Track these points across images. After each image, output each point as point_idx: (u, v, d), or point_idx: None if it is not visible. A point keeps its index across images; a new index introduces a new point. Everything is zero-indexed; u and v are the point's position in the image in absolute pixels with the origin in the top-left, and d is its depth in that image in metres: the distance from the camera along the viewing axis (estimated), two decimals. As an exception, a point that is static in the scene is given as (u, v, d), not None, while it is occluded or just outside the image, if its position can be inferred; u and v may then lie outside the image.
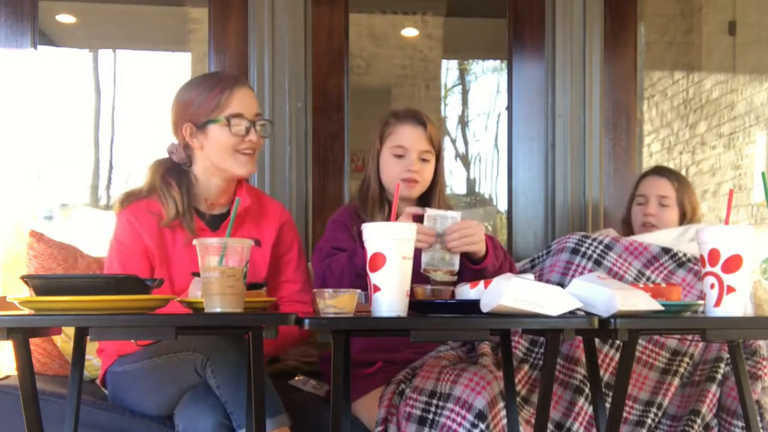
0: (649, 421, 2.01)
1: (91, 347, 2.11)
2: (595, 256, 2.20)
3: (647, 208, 2.66)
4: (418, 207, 1.98)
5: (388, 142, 2.14)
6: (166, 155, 2.06)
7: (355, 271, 1.91)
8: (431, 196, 2.17)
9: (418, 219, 2.04)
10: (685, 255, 2.20)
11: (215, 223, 2.03)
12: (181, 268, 1.96)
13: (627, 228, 2.74)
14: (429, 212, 1.90)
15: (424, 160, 2.12)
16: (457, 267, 1.88)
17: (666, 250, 2.22)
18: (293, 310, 2.09)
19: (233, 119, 1.96)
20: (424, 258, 1.86)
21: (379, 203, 2.15)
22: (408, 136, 2.12)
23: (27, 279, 1.42)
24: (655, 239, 2.30)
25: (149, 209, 1.97)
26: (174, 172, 2.01)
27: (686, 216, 2.65)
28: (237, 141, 1.97)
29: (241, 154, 1.98)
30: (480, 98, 5.53)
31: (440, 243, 1.86)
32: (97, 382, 2.13)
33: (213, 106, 1.96)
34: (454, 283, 1.82)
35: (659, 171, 2.73)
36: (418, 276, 1.76)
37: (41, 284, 1.40)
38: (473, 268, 1.94)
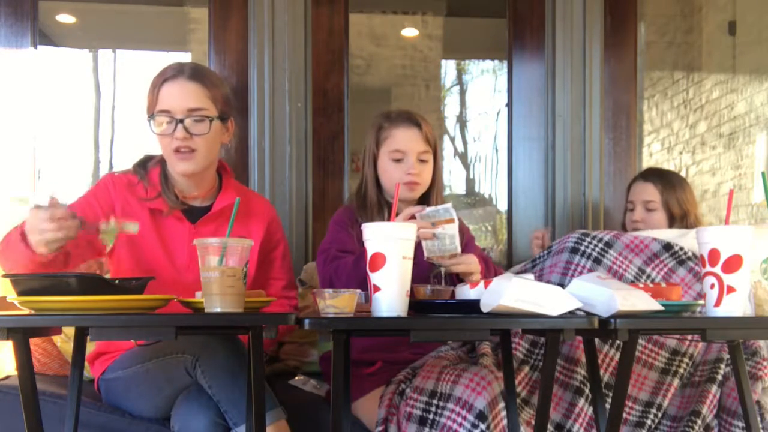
0: (648, 422, 2.00)
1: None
2: (594, 254, 2.19)
3: (634, 214, 2.68)
4: (417, 206, 1.96)
5: (385, 146, 2.12)
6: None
7: (360, 275, 1.90)
8: (430, 194, 2.17)
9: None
10: (685, 253, 2.20)
11: (193, 216, 2.02)
12: (144, 244, 1.97)
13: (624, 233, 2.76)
14: (421, 215, 1.89)
15: (422, 161, 2.12)
16: (459, 249, 1.87)
17: (667, 248, 2.22)
18: (279, 305, 2.10)
19: (158, 116, 1.92)
20: (426, 247, 1.86)
21: (378, 207, 2.14)
22: (405, 139, 2.10)
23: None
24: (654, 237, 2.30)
25: (130, 182, 2.00)
26: (162, 161, 2.04)
27: (675, 217, 2.65)
28: (166, 139, 1.92)
29: (174, 152, 1.93)
30: (480, 98, 5.52)
31: (437, 231, 1.87)
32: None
33: (149, 101, 1.95)
34: (454, 283, 1.82)
35: (644, 175, 2.73)
36: (419, 276, 1.75)
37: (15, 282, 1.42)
38: None
